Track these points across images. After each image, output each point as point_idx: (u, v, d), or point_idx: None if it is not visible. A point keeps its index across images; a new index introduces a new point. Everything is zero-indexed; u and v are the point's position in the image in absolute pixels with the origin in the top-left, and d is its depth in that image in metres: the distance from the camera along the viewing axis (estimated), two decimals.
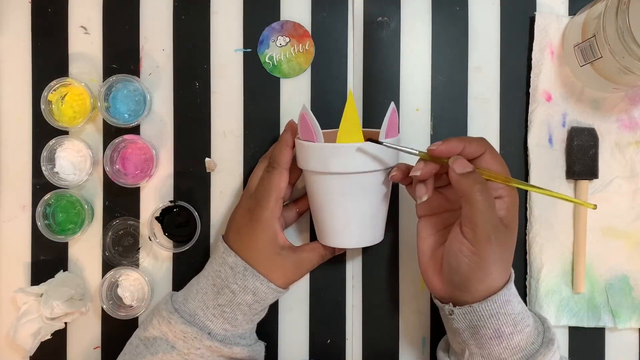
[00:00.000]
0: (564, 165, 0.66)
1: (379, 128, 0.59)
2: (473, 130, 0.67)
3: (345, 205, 0.58)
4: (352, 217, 0.58)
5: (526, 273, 0.66)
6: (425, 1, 0.67)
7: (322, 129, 0.57)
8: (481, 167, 0.54)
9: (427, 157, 0.54)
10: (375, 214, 0.59)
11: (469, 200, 0.51)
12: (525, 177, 0.67)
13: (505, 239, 0.53)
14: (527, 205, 0.66)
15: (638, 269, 0.66)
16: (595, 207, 0.53)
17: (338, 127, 0.61)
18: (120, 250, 0.67)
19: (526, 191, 0.66)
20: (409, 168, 0.56)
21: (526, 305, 0.66)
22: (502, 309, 0.53)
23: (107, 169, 0.64)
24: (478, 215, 0.51)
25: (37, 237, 0.66)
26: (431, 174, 0.55)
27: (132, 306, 0.66)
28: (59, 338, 0.67)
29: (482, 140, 0.54)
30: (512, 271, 0.55)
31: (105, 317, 0.67)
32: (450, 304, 0.55)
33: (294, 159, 0.60)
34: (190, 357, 0.57)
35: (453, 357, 0.58)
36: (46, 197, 0.64)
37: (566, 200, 0.53)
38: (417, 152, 0.55)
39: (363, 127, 0.58)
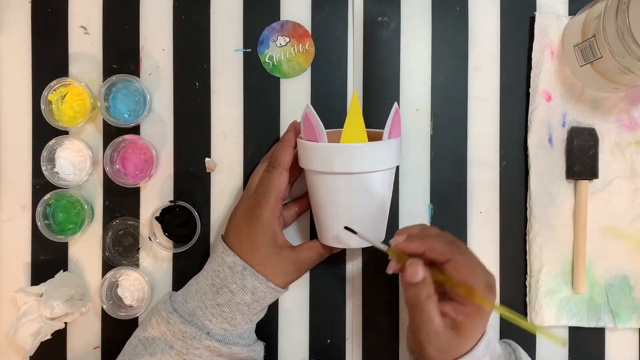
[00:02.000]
0: (564, 165, 0.66)
1: (379, 128, 0.59)
2: (473, 130, 0.67)
3: (347, 205, 0.58)
4: (353, 217, 0.58)
5: (526, 273, 0.66)
6: (425, 1, 0.67)
7: None
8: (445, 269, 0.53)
9: (392, 253, 0.55)
10: (376, 214, 0.59)
11: (408, 307, 0.54)
12: (525, 177, 0.67)
13: (450, 346, 0.53)
14: (527, 205, 0.66)
15: (638, 269, 0.66)
16: (564, 344, 0.52)
17: (338, 127, 0.62)
18: (120, 250, 0.67)
19: (526, 191, 0.66)
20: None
21: (526, 305, 0.66)
22: None
23: (107, 169, 0.64)
24: (412, 324, 0.54)
25: (37, 237, 0.66)
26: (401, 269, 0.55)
27: (132, 306, 0.66)
28: (59, 338, 0.67)
29: (447, 247, 0.53)
30: (485, 332, 0.55)
31: (105, 317, 0.67)
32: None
33: (294, 159, 0.60)
34: (189, 357, 0.57)
35: None
36: (46, 197, 0.64)
37: (533, 331, 0.52)
38: (385, 249, 0.56)
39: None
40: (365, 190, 0.57)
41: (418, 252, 0.53)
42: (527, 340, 0.66)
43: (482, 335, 0.54)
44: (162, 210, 0.65)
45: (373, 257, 0.67)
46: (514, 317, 0.51)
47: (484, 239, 0.67)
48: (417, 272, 0.52)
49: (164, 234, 0.65)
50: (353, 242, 0.60)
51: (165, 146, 0.67)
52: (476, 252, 0.66)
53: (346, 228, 0.58)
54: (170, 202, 0.65)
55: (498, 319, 0.66)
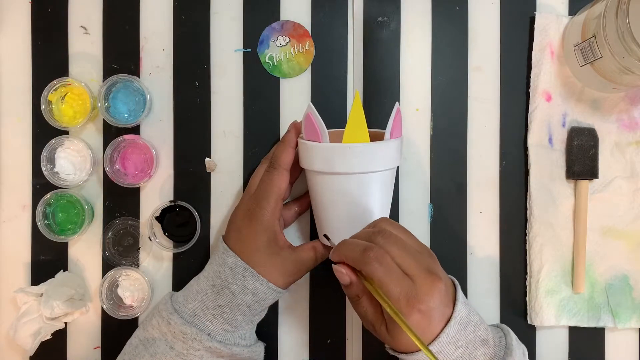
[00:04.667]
0: (564, 165, 0.66)
1: (378, 128, 0.59)
2: (473, 130, 0.67)
3: (348, 205, 0.58)
4: (355, 217, 0.58)
5: (526, 273, 0.66)
6: (425, 1, 0.67)
7: None
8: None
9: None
10: (377, 214, 0.59)
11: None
12: (525, 177, 0.67)
13: (395, 339, 0.52)
14: (527, 205, 0.66)
15: (638, 269, 0.66)
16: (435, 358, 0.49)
17: (338, 127, 0.62)
18: (120, 250, 0.67)
19: (526, 191, 0.66)
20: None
21: (526, 305, 0.66)
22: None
23: (107, 169, 0.64)
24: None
25: (37, 237, 0.66)
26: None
27: (132, 306, 0.66)
28: (59, 338, 0.67)
29: (359, 256, 0.51)
30: (455, 313, 0.52)
31: (105, 317, 0.67)
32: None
33: (294, 159, 0.60)
34: (189, 358, 0.57)
35: None
36: (46, 197, 0.64)
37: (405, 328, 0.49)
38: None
39: None
40: (367, 190, 0.57)
41: (341, 262, 0.53)
42: (527, 340, 0.66)
43: (448, 322, 0.51)
44: (162, 210, 0.65)
45: None
46: (415, 338, 0.48)
47: (484, 239, 0.67)
48: (343, 277, 0.53)
49: (164, 234, 0.66)
50: None
51: (165, 146, 0.67)
52: (476, 252, 0.66)
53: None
54: (170, 202, 0.65)
55: (498, 310, 0.66)
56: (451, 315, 0.52)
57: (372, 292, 0.51)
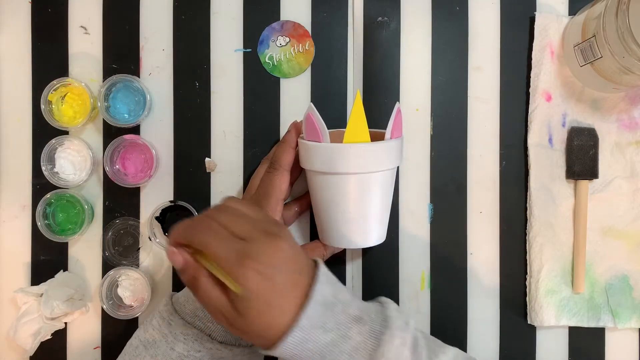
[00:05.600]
0: (564, 165, 0.66)
1: (378, 128, 0.59)
2: (473, 130, 0.67)
3: (348, 206, 0.58)
4: (355, 218, 0.58)
5: (526, 273, 0.66)
6: (425, 1, 0.67)
7: None
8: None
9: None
10: (378, 214, 0.59)
11: None
12: (525, 177, 0.67)
13: (234, 322, 0.47)
14: (527, 205, 0.66)
15: (638, 269, 0.66)
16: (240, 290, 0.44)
17: (338, 127, 0.62)
18: (120, 250, 0.67)
19: (526, 191, 0.66)
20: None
21: (526, 305, 0.66)
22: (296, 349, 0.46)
23: (107, 169, 0.64)
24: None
25: (37, 237, 0.66)
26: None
27: (132, 306, 0.66)
28: (59, 338, 0.67)
29: (186, 230, 0.47)
30: (314, 293, 0.46)
31: (105, 317, 0.67)
32: None
33: (295, 159, 0.60)
34: (190, 359, 0.57)
35: None
36: (46, 197, 0.64)
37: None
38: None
39: None
40: (367, 190, 0.57)
41: (178, 243, 0.48)
42: (528, 340, 0.66)
43: (307, 303, 0.46)
44: (162, 210, 0.65)
45: (373, 257, 0.67)
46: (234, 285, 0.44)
47: (484, 239, 0.67)
48: (175, 257, 0.48)
49: (164, 234, 0.65)
50: (355, 243, 0.60)
51: (165, 146, 0.67)
52: (476, 252, 0.66)
53: None
54: (170, 202, 0.65)
55: (498, 310, 0.66)
56: (308, 293, 0.46)
57: (201, 260, 0.46)
